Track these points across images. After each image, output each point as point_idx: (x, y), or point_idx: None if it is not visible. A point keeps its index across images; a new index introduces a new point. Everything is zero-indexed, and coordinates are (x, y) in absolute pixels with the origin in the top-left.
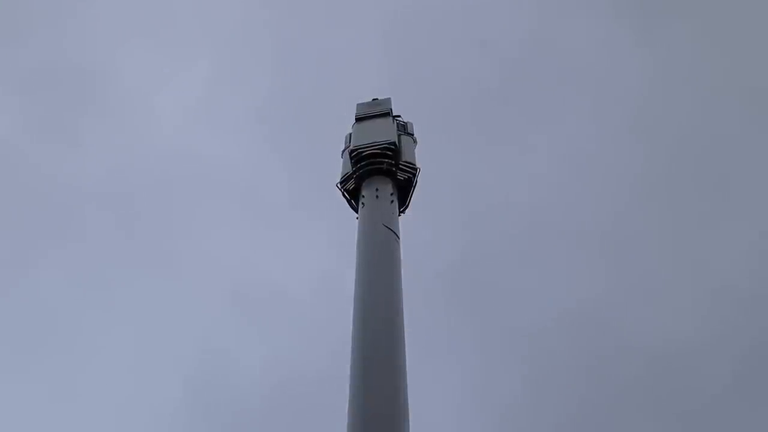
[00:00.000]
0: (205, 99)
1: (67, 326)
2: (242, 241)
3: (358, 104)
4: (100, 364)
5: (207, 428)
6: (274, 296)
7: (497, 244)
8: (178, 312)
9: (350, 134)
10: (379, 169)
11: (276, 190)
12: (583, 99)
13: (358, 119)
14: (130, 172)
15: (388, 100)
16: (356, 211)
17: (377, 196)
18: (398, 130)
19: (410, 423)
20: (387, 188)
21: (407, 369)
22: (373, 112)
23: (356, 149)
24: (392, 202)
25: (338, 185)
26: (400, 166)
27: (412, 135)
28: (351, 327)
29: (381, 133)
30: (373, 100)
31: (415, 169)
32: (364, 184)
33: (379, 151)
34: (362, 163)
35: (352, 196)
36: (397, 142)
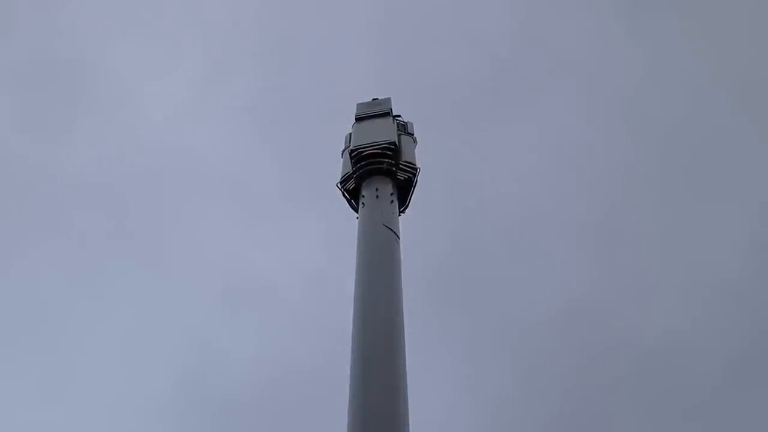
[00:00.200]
0: (196, 93)
1: (57, 320)
2: (233, 235)
3: (358, 104)
4: (90, 359)
5: (197, 423)
6: (265, 291)
7: (488, 238)
8: (168, 306)
9: (350, 134)
10: (379, 169)
11: (266, 184)
12: (573, 92)
13: (358, 119)
14: (121, 166)
15: (388, 100)
16: (356, 211)
17: (377, 196)
18: (398, 129)
19: (410, 423)
20: (387, 188)
21: (407, 369)
22: (373, 112)
23: (356, 149)
24: (392, 202)
25: (338, 185)
26: (400, 165)
27: (412, 135)
28: (351, 327)
29: (381, 132)
30: (373, 99)
31: (415, 169)
32: (364, 184)
33: (379, 151)
34: (362, 163)
35: (352, 196)
36: (397, 142)
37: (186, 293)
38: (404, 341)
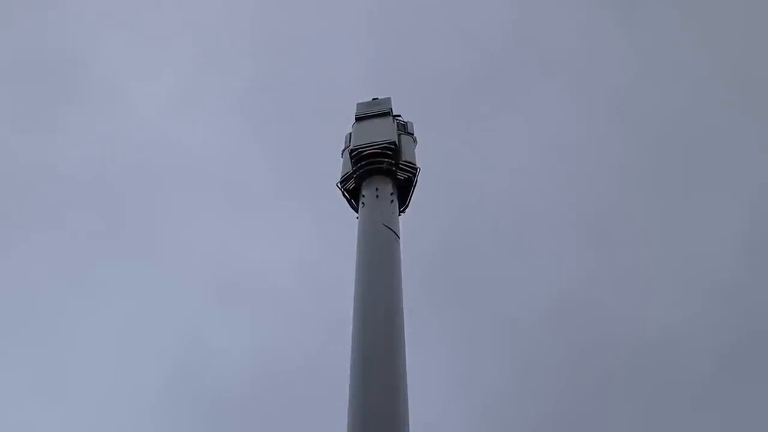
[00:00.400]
0: (187, 87)
1: (49, 315)
2: (224, 230)
3: (357, 104)
4: (82, 354)
5: (189, 418)
6: (257, 286)
7: (480, 234)
8: (159, 301)
9: (350, 134)
10: (379, 169)
11: (258, 179)
12: (566, 87)
13: (358, 119)
14: (112, 161)
15: (388, 100)
16: (356, 211)
17: (377, 196)
18: (398, 129)
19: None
20: (387, 188)
21: (407, 369)
22: (372, 112)
23: (356, 149)
24: (392, 201)
25: (338, 185)
26: (400, 165)
27: (412, 134)
28: (351, 327)
29: (381, 132)
30: (373, 99)
31: (416, 169)
32: (364, 183)
33: (379, 150)
34: (362, 163)
35: (352, 196)
36: (397, 142)
37: (178, 288)
38: (404, 341)
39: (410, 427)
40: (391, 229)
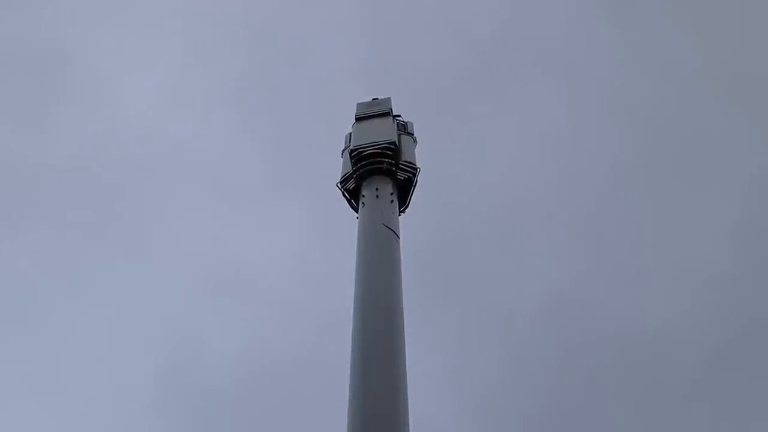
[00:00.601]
0: (177, 81)
1: (40, 310)
2: (215, 224)
3: (357, 104)
4: (72, 350)
5: (180, 413)
6: (249, 280)
7: (472, 229)
8: (150, 296)
9: (350, 134)
10: (379, 169)
11: (249, 173)
12: (557, 82)
13: (358, 119)
14: (102, 155)
15: (388, 100)
16: (356, 211)
17: (377, 196)
18: (398, 129)
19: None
20: (387, 188)
21: (407, 369)
22: (372, 112)
23: (356, 149)
24: (392, 201)
25: (338, 185)
26: (400, 165)
27: (412, 135)
28: (351, 327)
29: (381, 132)
30: (373, 99)
31: (416, 169)
32: (364, 183)
33: (379, 150)
34: (362, 163)
35: (352, 196)
36: (397, 142)
37: (169, 283)
38: (404, 341)
39: (410, 428)
40: (391, 229)
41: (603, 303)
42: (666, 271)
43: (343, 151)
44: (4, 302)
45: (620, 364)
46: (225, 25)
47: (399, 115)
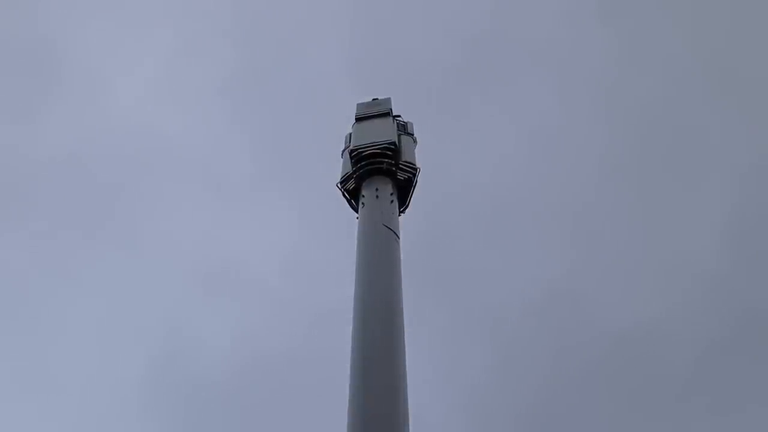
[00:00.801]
0: (167, 75)
1: (30, 303)
2: (206, 218)
3: (357, 104)
4: (64, 343)
5: (171, 407)
6: (239, 275)
7: (461, 225)
8: (141, 290)
9: (350, 134)
10: (379, 169)
11: (240, 167)
12: (548, 77)
13: (358, 119)
14: (92, 149)
15: (388, 100)
16: (356, 211)
17: (377, 196)
18: (398, 129)
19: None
20: (387, 188)
21: (407, 369)
22: (372, 112)
23: (356, 149)
24: (392, 201)
25: (338, 185)
26: (400, 166)
27: (412, 135)
28: (351, 327)
29: (381, 133)
30: (373, 99)
31: (415, 169)
32: (364, 184)
33: (379, 151)
34: (362, 163)
35: (352, 196)
36: (397, 142)
37: (160, 278)
38: (404, 341)
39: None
40: (391, 229)
41: (594, 299)
42: (657, 267)
43: (343, 151)
44: None
45: (612, 361)
46: (216, 21)
47: (399, 116)
